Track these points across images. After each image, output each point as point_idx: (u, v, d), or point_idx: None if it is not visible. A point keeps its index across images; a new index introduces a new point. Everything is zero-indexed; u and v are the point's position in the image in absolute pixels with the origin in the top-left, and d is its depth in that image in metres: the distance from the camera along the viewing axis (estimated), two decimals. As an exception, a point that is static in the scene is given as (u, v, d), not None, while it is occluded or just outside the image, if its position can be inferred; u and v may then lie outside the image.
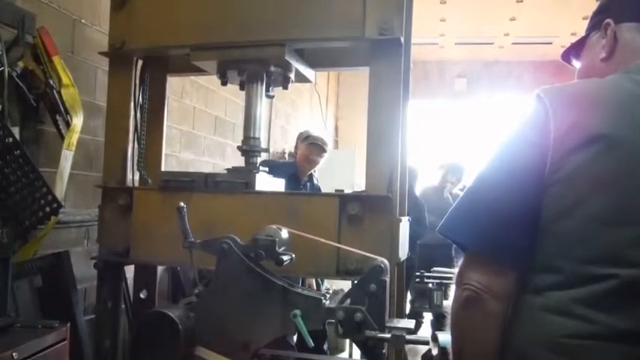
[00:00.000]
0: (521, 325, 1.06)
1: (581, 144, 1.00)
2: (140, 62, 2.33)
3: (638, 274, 0.94)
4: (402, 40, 1.90)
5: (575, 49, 1.37)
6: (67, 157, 2.43)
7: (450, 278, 3.46)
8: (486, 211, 1.07)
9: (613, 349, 0.94)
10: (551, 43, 7.52)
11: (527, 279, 1.06)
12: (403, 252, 1.98)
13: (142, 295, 2.35)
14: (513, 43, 7.70)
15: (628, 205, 0.97)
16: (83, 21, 2.84)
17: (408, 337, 1.52)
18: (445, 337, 1.87)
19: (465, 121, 9.03)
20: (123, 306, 2.40)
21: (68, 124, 2.45)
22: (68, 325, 1.91)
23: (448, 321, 1.15)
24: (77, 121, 2.47)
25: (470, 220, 1.10)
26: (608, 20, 1.19)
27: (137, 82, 2.29)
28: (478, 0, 6.15)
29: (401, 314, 2.09)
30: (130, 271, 2.45)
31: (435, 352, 1.47)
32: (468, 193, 1.12)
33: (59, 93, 2.41)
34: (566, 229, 1.01)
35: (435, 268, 3.75)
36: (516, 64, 8.35)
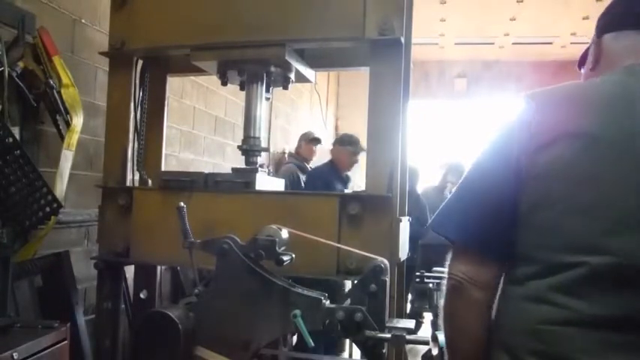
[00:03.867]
0: (504, 314, 1.13)
1: (559, 140, 1.06)
2: (140, 62, 2.33)
3: (607, 261, 0.99)
4: (403, 40, 1.90)
5: (583, 59, 1.43)
6: (67, 157, 2.43)
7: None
8: (470, 207, 1.16)
9: (586, 335, 1.00)
10: (551, 44, 7.51)
11: (510, 272, 1.14)
12: (403, 252, 1.98)
13: (142, 295, 2.35)
14: (513, 44, 7.70)
15: (601, 199, 1.02)
16: (83, 21, 2.84)
17: (408, 337, 1.52)
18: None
19: (465, 121, 9.03)
20: (123, 306, 2.40)
21: (68, 124, 2.45)
22: (68, 325, 1.91)
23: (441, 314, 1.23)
24: (77, 121, 2.47)
25: (456, 216, 1.18)
26: (595, 34, 1.29)
27: (137, 82, 2.29)
28: (478, 0, 6.14)
29: (401, 314, 2.09)
30: (130, 271, 2.45)
31: (435, 351, 1.47)
32: (456, 191, 1.21)
33: (59, 93, 2.41)
34: (543, 220, 1.07)
35: (435, 268, 3.75)
36: (516, 64, 8.34)
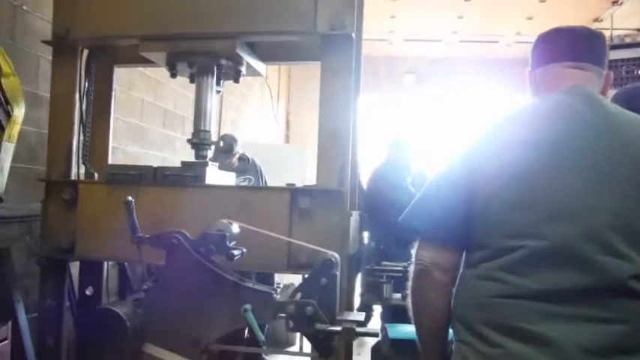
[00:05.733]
0: (460, 293, 1.35)
1: (502, 151, 1.31)
2: (86, 52, 2.26)
3: (542, 245, 1.22)
4: (354, 35, 1.91)
5: None
6: (7, 150, 2.34)
7: (398, 272, 3.54)
8: (435, 205, 1.39)
9: (525, 306, 1.22)
10: (496, 42, 7.71)
11: (467, 258, 1.36)
12: (354, 246, 2.00)
13: (87, 292, 2.29)
14: (460, 41, 7.86)
15: (532, 195, 1.27)
16: (25, 7, 2.73)
17: (359, 329, 1.54)
18: (394, 329, 1.92)
19: (414, 116, 9.17)
20: (68, 303, 2.33)
21: (9, 115, 2.35)
22: (9, 324, 1.85)
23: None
24: (18, 112, 2.38)
25: (423, 211, 1.40)
26: (528, 69, 1.55)
27: (82, 72, 2.21)
28: (427, -3, 6.25)
29: (351, 307, 2.11)
30: (75, 267, 2.38)
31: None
32: (422, 193, 1.42)
33: (-1, 82, 2.32)
34: (493, 213, 1.30)
35: (384, 262, 3.82)
36: (463, 61, 8.51)
